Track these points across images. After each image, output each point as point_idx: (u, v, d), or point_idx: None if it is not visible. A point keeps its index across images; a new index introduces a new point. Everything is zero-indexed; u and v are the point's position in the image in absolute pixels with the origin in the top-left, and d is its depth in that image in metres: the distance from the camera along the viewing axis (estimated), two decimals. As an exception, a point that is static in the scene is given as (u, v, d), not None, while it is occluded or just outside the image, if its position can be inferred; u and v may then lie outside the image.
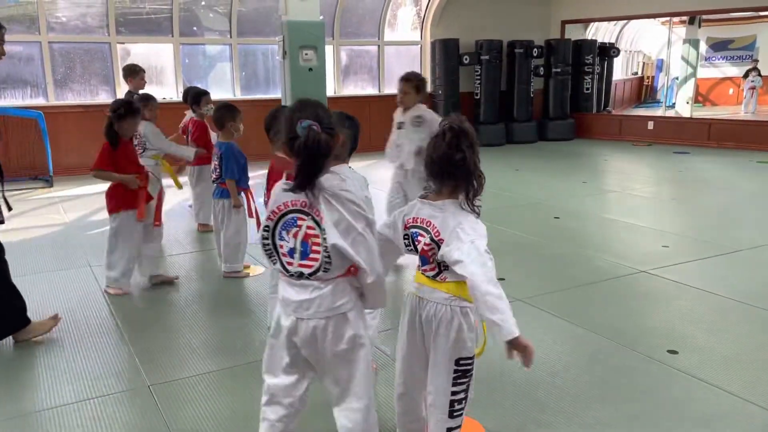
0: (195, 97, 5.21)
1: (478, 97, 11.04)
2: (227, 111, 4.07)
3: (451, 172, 1.85)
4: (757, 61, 15.42)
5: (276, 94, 8.92)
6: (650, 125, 11.53)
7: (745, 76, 15.07)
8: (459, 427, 1.98)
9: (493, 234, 4.67)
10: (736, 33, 16.76)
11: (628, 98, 17.57)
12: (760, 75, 14.67)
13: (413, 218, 1.91)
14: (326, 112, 1.76)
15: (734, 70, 16.82)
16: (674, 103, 14.35)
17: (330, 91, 9.22)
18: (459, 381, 1.93)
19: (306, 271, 1.77)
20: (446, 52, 10.66)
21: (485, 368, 2.89)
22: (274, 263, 1.83)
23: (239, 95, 9.59)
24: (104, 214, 6.31)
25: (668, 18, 13.74)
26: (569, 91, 11.72)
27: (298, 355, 1.85)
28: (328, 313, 1.78)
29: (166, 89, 9.06)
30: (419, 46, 11.37)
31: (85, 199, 6.86)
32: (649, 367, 2.88)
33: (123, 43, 8.86)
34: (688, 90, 13.82)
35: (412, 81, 4.16)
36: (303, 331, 1.80)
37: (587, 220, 5.77)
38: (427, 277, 1.93)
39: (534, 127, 11.50)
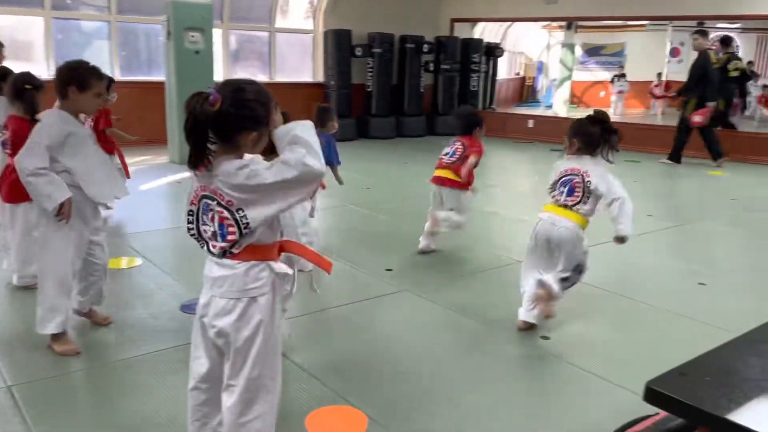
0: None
1: (370, 89, 11.12)
2: (328, 111, 4.53)
3: (589, 141, 3.10)
4: (623, 67, 16.69)
5: (160, 76, 8.50)
6: (530, 124, 12.16)
7: (612, 81, 16.24)
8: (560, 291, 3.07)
9: (381, 226, 4.68)
10: (607, 40, 18.05)
11: (511, 97, 18.41)
12: (626, 81, 15.88)
13: (566, 169, 3.14)
14: (243, 94, 1.68)
15: (606, 75, 18.10)
16: (552, 104, 15.23)
17: (218, 76, 8.92)
18: (570, 277, 3.12)
19: (227, 245, 1.75)
20: (339, 42, 10.64)
21: (369, 358, 2.94)
22: (202, 246, 1.81)
23: (118, 76, 9.04)
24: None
25: (548, 22, 14.55)
26: (457, 88, 12.10)
27: (209, 337, 1.82)
28: (239, 294, 1.75)
29: (34, 66, 8.35)
30: (312, 35, 11.27)
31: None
32: (524, 352, 3.04)
33: (-16, 12, 8.07)
34: (564, 91, 14.70)
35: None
36: (213, 309, 1.78)
37: (471, 214, 5.98)
38: (562, 206, 3.08)
39: (423, 121, 11.76)
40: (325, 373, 2.74)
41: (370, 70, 11.05)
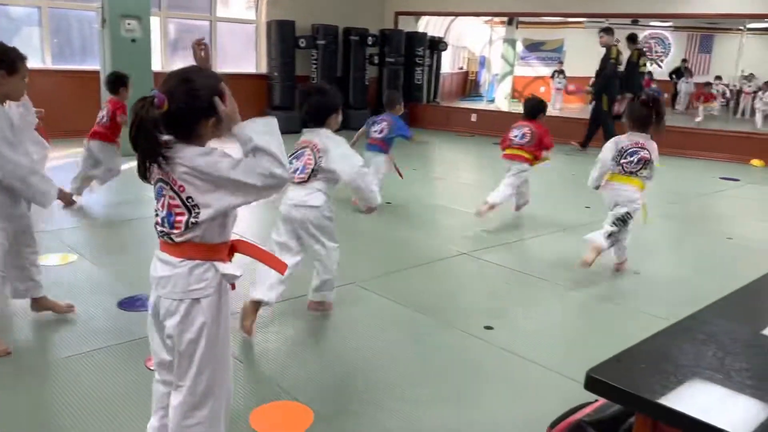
0: (124, 80, 5.33)
1: (314, 81, 11.01)
2: (395, 96, 5.92)
3: (643, 121, 3.87)
4: (562, 63, 17.11)
5: (94, 65, 8.18)
6: (473, 117, 12.32)
7: (552, 76, 16.63)
8: (606, 246, 3.93)
9: (326, 219, 4.50)
10: (547, 36, 18.44)
11: (455, 91, 18.60)
12: (565, 77, 16.28)
13: (630, 144, 3.90)
14: (191, 84, 1.65)
15: (546, 70, 18.51)
16: (494, 98, 15.47)
17: (156, 66, 8.65)
18: (620, 226, 3.92)
19: (174, 232, 1.70)
20: (282, 33, 10.49)
21: (314, 352, 2.92)
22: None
23: (50, 65, 8.66)
24: None
25: (490, 18, 14.75)
26: (402, 81, 12.13)
27: (164, 335, 1.78)
28: (182, 296, 1.69)
29: (-43, 52, 7.89)
30: (254, 25, 11.07)
31: None
32: (468, 342, 3.08)
33: None
34: (506, 86, 14.95)
35: None
36: (161, 309, 1.74)
37: (417, 206, 6.03)
38: (628, 173, 3.90)
39: (368, 114, 11.71)
40: (269, 369, 2.71)
41: (315, 62, 10.95)
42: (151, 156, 1.63)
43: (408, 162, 8.49)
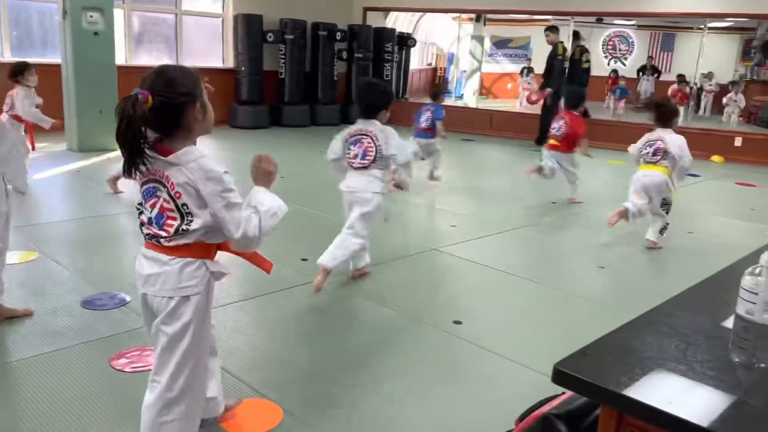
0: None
1: (282, 76, 10.92)
2: (440, 90, 6.81)
3: (663, 118, 4.48)
4: (530, 60, 17.28)
5: (55, 58, 7.97)
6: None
7: (521, 73, 16.78)
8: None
9: (298, 215, 4.61)
10: (514, 33, 18.60)
11: (424, 88, 18.64)
12: (533, 74, 16.44)
13: (652, 138, 4.48)
14: (167, 76, 1.66)
15: (513, 67, 18.66)
16: (462, 94, 15.55)
17: (120, 60, 8.47)
18: (663, 206, 4.61)
19: (163, 234, 1.70)
20: (249, 27, 10.36)
21: (285, 349, 2.90)
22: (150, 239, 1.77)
23: (9, 57, 8.40)
24: None
25: (458, 14, 14.81)
26: (370, 77, 12.10)
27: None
28: (172, 293, 1.70)
29: None
30: (221, 18, 10.91)
31: None
32: (437, 337, 3.10)
33: None
34: (474, 83, 15.05)
35: None
36: (152, 306, 1.75)
37: (389, 202, 6.02)
38: (652, 163, 4.44)
39: (338, 110, 11.69)
40: (237, 366, 2.68)
41: (282, 56, 10.85)
42: (137, 153, 1.63)
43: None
